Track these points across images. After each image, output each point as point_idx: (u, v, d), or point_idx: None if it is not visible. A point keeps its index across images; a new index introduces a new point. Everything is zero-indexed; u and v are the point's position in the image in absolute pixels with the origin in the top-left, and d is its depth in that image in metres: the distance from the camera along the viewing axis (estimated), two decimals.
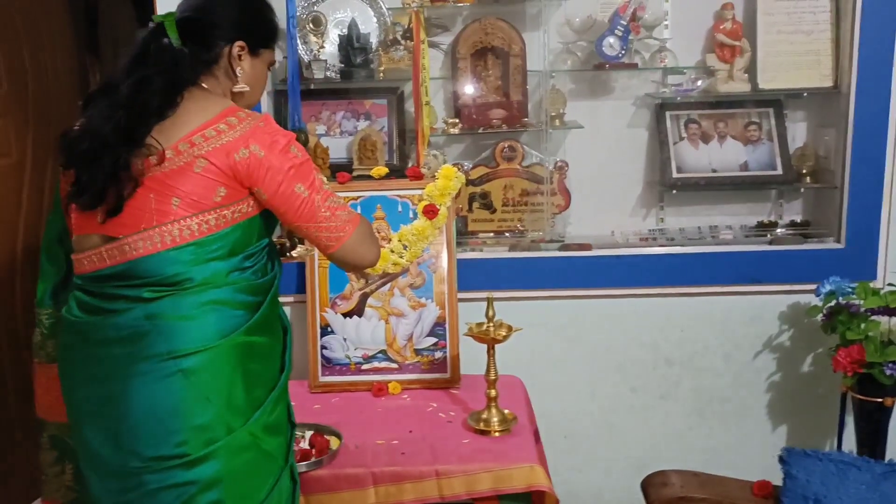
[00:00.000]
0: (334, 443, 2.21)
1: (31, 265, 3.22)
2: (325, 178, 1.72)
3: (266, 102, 2.81)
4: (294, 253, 2.57)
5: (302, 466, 2.03)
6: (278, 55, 2.17)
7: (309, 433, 2.22)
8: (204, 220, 1.57)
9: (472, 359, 2.54)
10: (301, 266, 2.69)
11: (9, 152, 3.14)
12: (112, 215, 1.57)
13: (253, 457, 1.63)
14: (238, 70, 1.70)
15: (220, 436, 1.58)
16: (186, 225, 1.56)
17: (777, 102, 2.98)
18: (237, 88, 1.71)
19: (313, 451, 2.14)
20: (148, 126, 1.57)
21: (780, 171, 2.95)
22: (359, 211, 2.63)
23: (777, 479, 2.19)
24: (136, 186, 1.55)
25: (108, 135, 1.55)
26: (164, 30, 1.65)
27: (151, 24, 1.68)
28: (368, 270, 1.91)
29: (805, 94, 2.94)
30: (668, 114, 3.00)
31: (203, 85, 1.68)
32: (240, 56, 1.70)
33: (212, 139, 1.57)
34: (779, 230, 2.96)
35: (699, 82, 2.95)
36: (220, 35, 1.69)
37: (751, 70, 2.91)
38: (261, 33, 1.75)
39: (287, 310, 2.16)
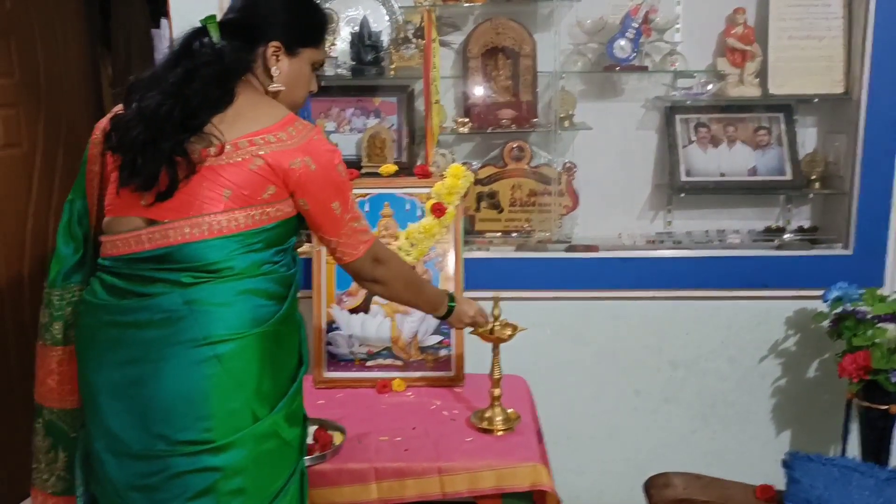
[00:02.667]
0: (338, 438, 2.21)
1: (38, 253, 3.24)
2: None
3: None
4: (301, 249, 2.58)
5: (305, 460, 2.02)
6: None
7: (313, 428, 2.22)
8: (250, 214, 1.62)
9: (476, 358, 2.54)
10: (308, 262, 2.69)
11: (19, 142, 3.16)
12: (162, 199, 1.59)
13: (275, 446, 1.66)
14: (274, 70, 1.73)
15: (246, 424, 1.60)
16: (234, 217, 1.61)
17: (787, 107, 2.98)
18: (271, 88, 1.73)
19: (317, 445, 2.15)
20: (206, 115, 1.60)
21: (789, 176, 2.95)
22: (367, 209, 2.64)
23: (780, 483, 2.18)
24: (192, 173, 1.59)
25: (162, 121, 1.58)
26: (207, 31, 1.69)
27: (197, 26, 1.72)
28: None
29: (816, 100, 2.93)
30: (677, 117, 3.00)
31: (253, 84, 1.72)
32: (276, 57, 1.73)
33: (272, 143, 1.62)
34: (787, 235, 2.96)
35: (709, 86, 2.95)
36: (258, 35, 1.72)
37: (761, 75, 2.91)
38: (299, 33, 1.76)
39: None
